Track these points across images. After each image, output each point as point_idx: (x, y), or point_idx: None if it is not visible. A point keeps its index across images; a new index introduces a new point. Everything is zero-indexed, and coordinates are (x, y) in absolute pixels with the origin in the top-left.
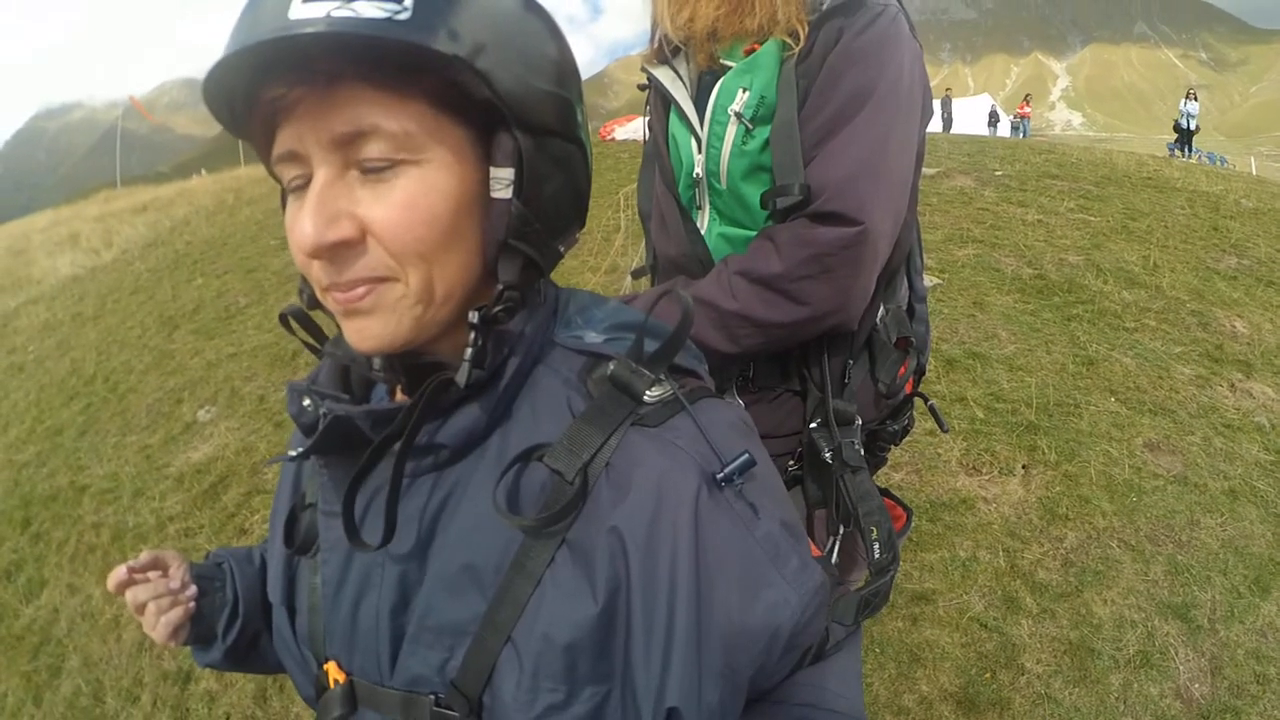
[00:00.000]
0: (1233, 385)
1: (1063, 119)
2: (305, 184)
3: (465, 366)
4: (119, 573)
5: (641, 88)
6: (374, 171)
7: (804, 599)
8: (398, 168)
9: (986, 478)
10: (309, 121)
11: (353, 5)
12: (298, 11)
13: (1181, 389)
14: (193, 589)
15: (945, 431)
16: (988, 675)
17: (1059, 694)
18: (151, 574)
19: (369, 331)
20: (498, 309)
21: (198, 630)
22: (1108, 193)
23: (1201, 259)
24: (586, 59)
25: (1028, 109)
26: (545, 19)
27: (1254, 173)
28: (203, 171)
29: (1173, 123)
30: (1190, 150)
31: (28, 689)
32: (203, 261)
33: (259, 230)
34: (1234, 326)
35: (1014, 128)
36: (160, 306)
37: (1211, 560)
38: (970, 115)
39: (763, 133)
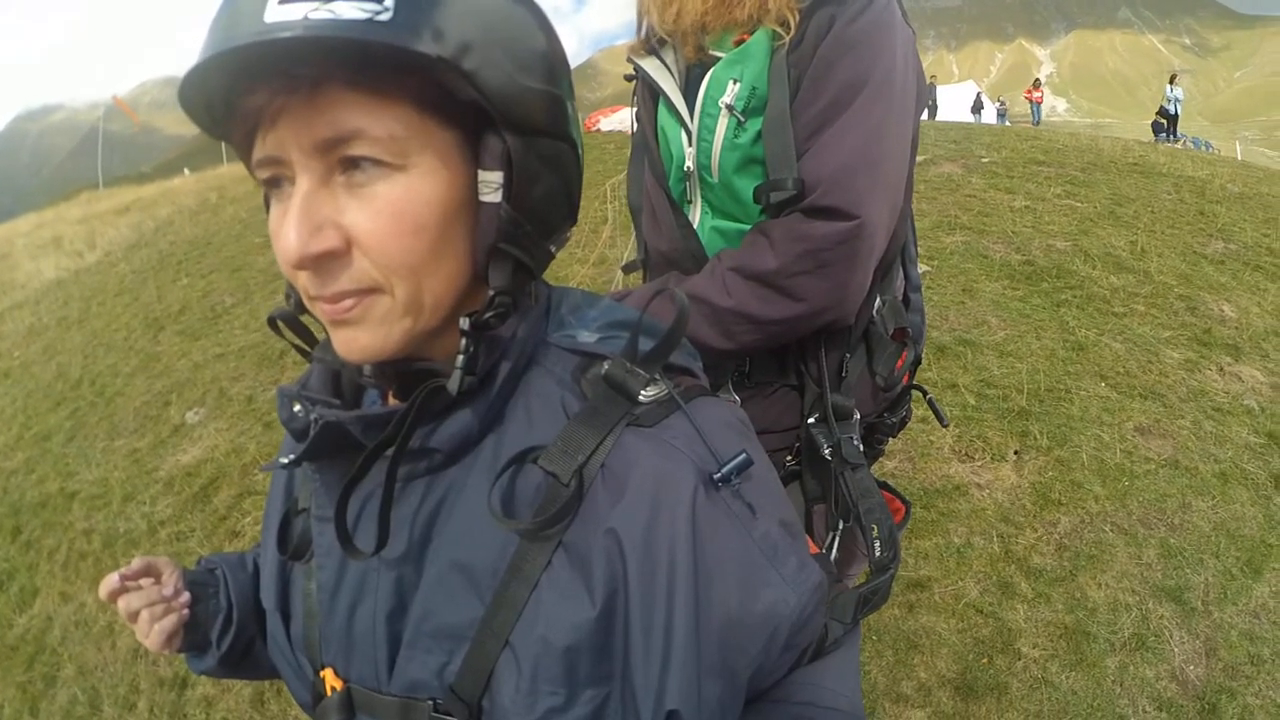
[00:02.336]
0: (1221, 369)
1: (1047, 105)
2: (287, 183)
3: (457, 374)
4: (111, 580)
5: (629, 78)
6: (358, 177)
7: (802, 598)
8: (383, 174)
9: (979, 464)
10: (290, 127)
11: (331, 6)
12: (274, 14)
13: (1171, 373)
14: (186, 596)
15: (945, 425)
16: (984, 661)
17: (1055, 678)
18: (144, 581)
19: (357, 343)
20: (489, 315)
21: (192, 638)
22: (1094, 178)
23: (1189, 244)
24: (571, 50)
25: (1039, 93)
26: (534, 11)
27: (1239, 158)
28: (186, 171)
29: (1158, 108)
30: (1175, 135)
31: (24, 699)
32: (187, 262)
33: (244, 229)
34: (1222, 310)
35: (999, 115)
36: (145, 308)
37: (1204, 543)
38: (955, 102)
39: (755, 124)
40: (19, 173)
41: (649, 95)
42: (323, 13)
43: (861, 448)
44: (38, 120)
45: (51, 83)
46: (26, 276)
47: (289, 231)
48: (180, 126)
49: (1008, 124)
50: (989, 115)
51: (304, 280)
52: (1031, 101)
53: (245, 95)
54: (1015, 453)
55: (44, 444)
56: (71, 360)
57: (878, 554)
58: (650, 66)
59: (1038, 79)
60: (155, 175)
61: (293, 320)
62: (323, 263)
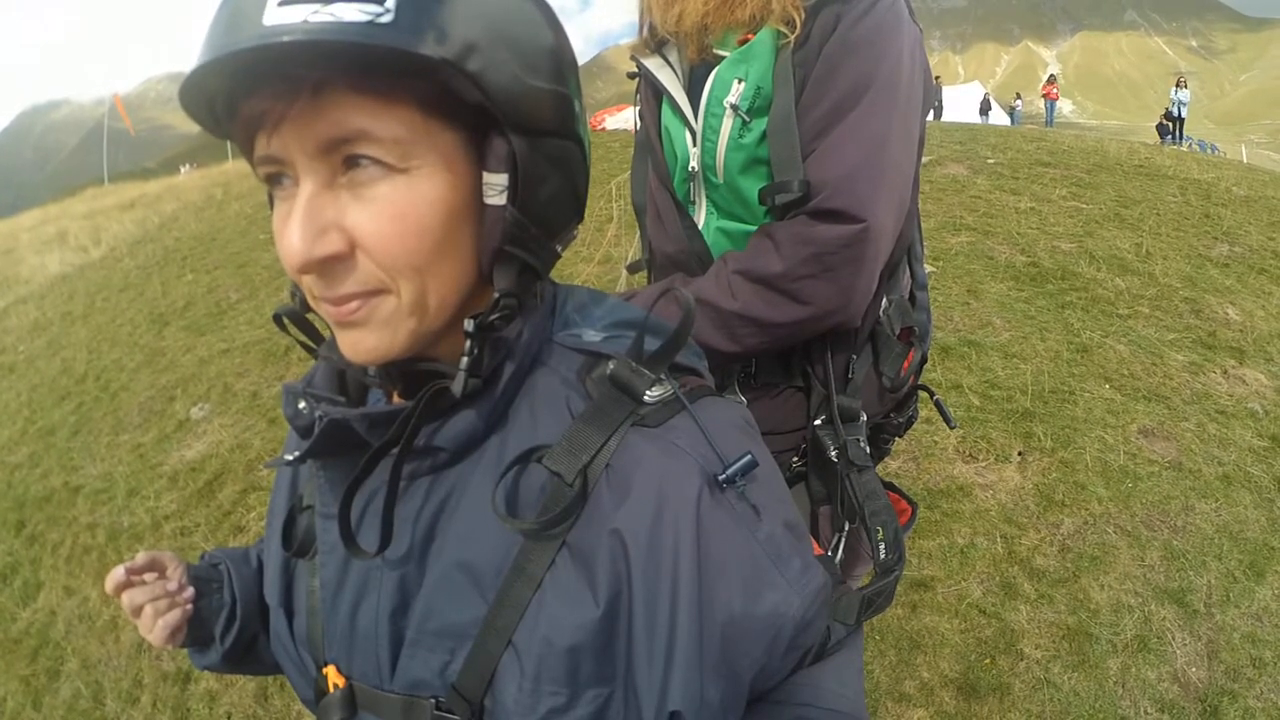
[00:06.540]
0: (1226, 372)
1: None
2: (290, 181)
3: (462, 375)
4: (116, 575)
5: (631, 76)
6: (361, 178)
7: (806, 601)
8: (386, 176)
9: (983, 465)
10: (293, 129)
11: (331, 8)
12: (273, 17)
13: (1175, 375)
14: (190, 591)
15: (953, 427)
16: (987, 661)
17: (1058, 679)
18: (148, 576)
19: (363, 344)
20: (494, 317)
21: (195, 633)
22: (1100, 180)
23: (1194, 246)
24: (576, 50)
25: (1054, 89)
26: (540, 6)
27: (1244, 160)
28: (188, 166)
29: (1164, 110)
30: (1181, 138)
31: (27, 693)
32: (192, 257)
33: (248, 225)
34: (1226, 313)
35: (1013, 114)
36: (150, 303)
37: (1207, 545)
38: (961, 104)
39: (760, 125)
40: (24, 168)
41: (652, 94)
42: (323, 15)
43: (867, 449)
44: (42, 116)
45: (56, 79)
46: (31, 271)
47: (293, 235)
48: (189, 124)
49: (1022, 124)
50: (997, 116)
51: (309, 283)
52: (1048, 100)
53: (246, 98)
54: (1019, 454)
55: (49, 438)
56: (76, 355)
57: (882, 556)
58: (654, 65)
59: (1052, 75)
60: (160, 171)
61: (298, 317)
62: (327, 266)
